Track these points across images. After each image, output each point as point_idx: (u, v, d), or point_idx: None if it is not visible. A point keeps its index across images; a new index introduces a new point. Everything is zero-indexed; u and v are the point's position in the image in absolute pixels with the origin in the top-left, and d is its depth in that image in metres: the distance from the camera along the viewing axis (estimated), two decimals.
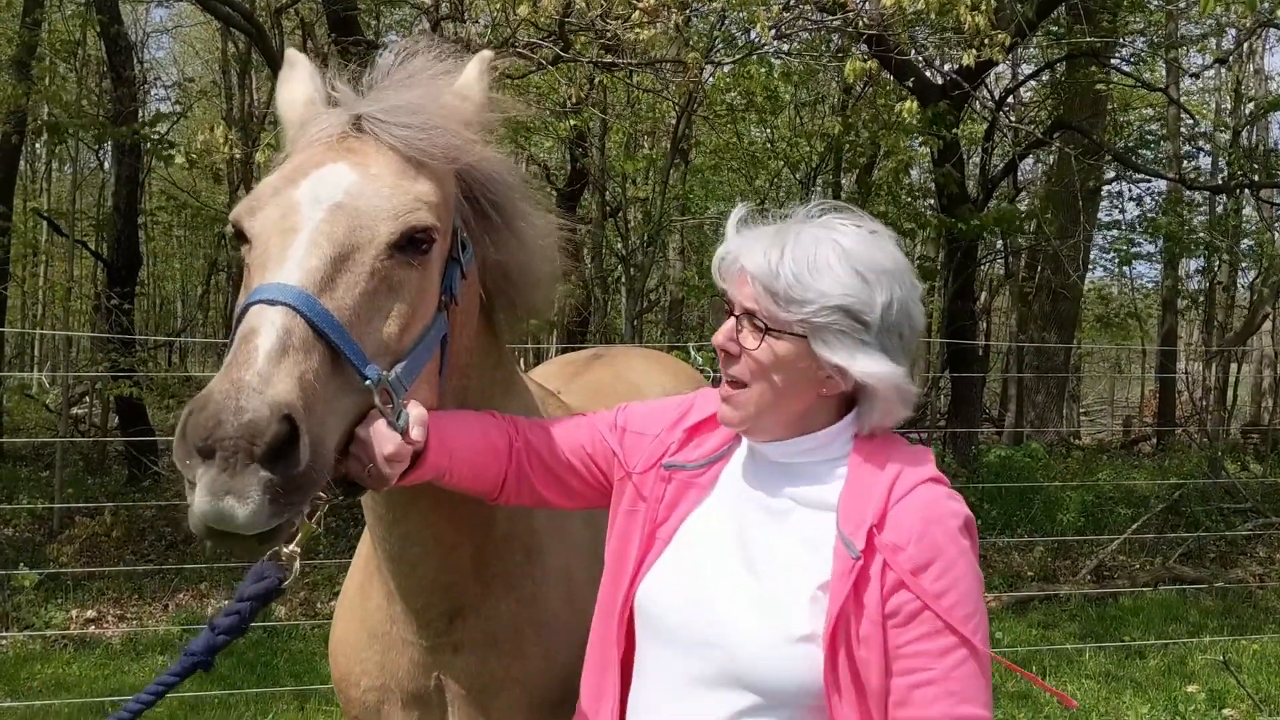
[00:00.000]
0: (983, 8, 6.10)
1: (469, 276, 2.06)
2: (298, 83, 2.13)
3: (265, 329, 1.65)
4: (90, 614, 8.09)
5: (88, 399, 15.96)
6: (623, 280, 13.22)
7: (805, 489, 1.90)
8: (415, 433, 1.85)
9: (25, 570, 8.12)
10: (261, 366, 1.60)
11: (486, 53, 2.19)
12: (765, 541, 1.89)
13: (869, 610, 1.75)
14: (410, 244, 1.85)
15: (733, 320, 1.89)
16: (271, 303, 1.69)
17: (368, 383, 1.75)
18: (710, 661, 1.85)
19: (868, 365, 1.82)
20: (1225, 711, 6.44)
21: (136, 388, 11.18)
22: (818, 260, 1.83)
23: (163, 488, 11.80)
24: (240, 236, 1.89)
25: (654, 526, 2.01)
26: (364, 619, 2.39)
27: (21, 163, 16.36)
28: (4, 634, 7.61)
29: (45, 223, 18.26)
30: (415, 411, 1.86)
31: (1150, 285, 20.99)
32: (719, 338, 1.90)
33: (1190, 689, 6.81)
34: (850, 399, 1.92)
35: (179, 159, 8.00)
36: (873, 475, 1.84)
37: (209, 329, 20.04)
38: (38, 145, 18.63)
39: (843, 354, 1.82)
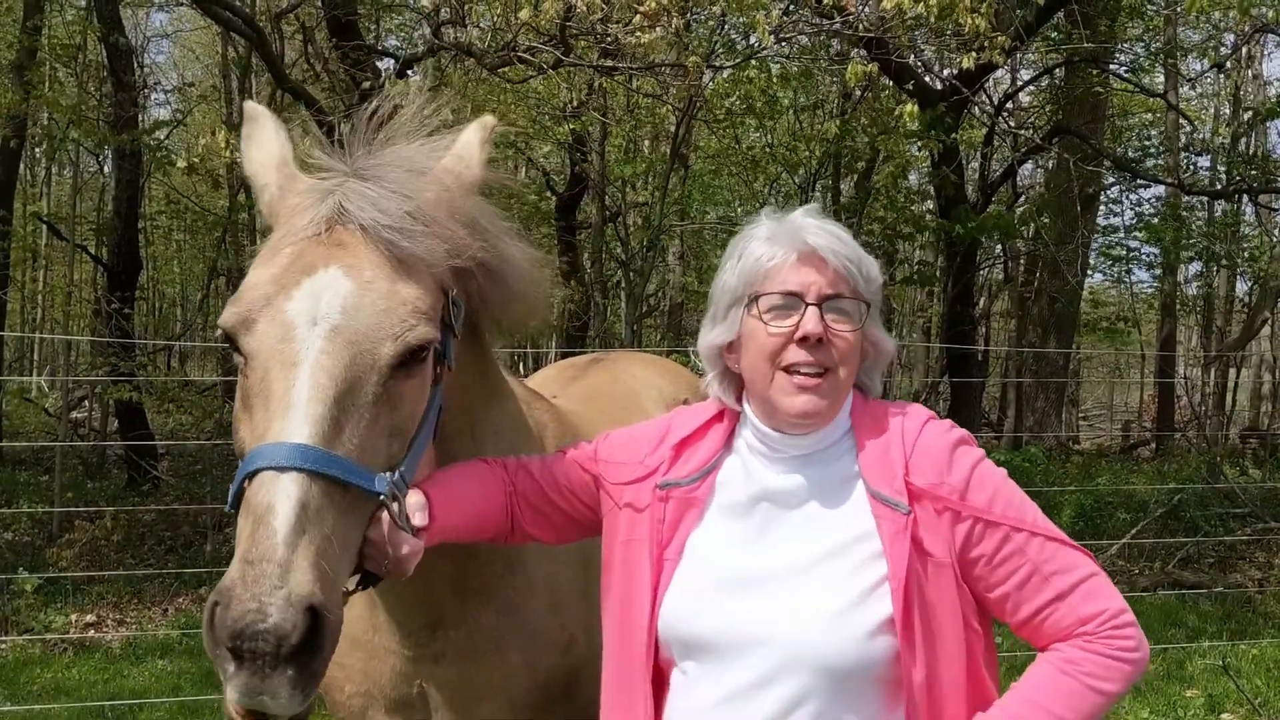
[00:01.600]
0: (983, 10, 6.12)
1: (460, 334, 2.05)
2: (266, 141, 2.08)
3: (280, 505, 1.66)
4: (90, 618, 8.09)
5: (87, 403, 15.96)
6: (622, 285, 13.23)
7: (826, 471, 1.93)
8: (418, 519, 1.90)
9: (25, 574, 8.13)
10: (281, 555, 1.62)
11: (489, 119, 2.16)
12: (799, 533, 1.90)
13: (936, 556, 1.81)
14: (410, 358, 1.85)
15: (815, 308, 1.89)
16: (282, 470, 1.68)
17: (380, 496, 1.80)
18: (763, 660, 1.83)
19: (888, 338, 2.01)
20: (1224, 716, 6.44)
21: (136, 392, 11.18)
22: (857, 247, 1.98)
23: (162, 492, 11.81)
24: (233, 345, 1.86)
25: (660, 550, 1.99)
26: (347, 626, 2.37)
27: (21, 167, 16.37)
28: (4, 638, 7.61)
29: (45, 227, 18.27)
30: (414, 500, 1.90)
31: (1149, 290, 21.01)
32: (814, 325, 1.88)
33: (1189, 693, 6.81)
34: None
35: (180, 163, 8.01)
36: (881, 433, 1.92)
37: (208, 333, 20.04)
38: (38, 150, 18.67)
39: (879, 328, 1.99)
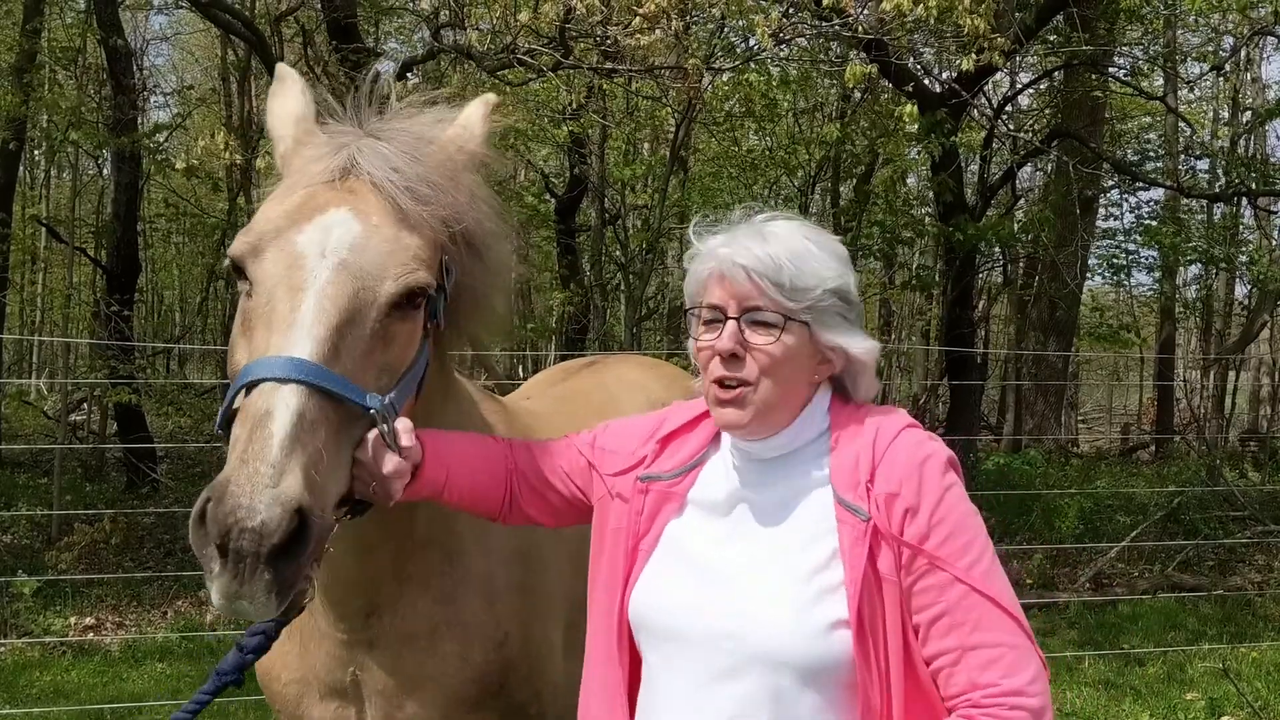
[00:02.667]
0: (982, 10, 6.12)
1: (451, 298, 2.14)
2: (289, 98, 2.19)
3: (279, 413, 1.73)
4: (89, 621, 8.08)
5: (86, 406, 15.94)
6: (622, 287, 13.23)
7: (798, 474, 1.93)
8: (405, 439, 1.94)
9: (24, 577, 8.11)
10: (275, 457, 1.68)
11: (491, 97, 2.27)
12: (766, 533, 1.91)
13: (884, 571, 1.80)
14: (407, 301, 1.94)
15: (733, 323, 1.90)
16: (283, 380, 1.76)
17: (370, 412, 1.87)
18: (726, 655, 1.85)
19: (860, 342, 1.94)
20: (1224, 719, 6.44)
21: (135, 395, 11.17)
22: (801, 250, 1.90)
23: (161, 495, 11.80)
24: (239, 273, 1.95)
25: (636, 540, 2.03)
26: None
27: (21, 169, 16.37)
28: (2, 641, 7.60)
29: (44, 229, 18.26)
30: (400, 423, 1.94)
31: (1149, 293, 21.02)
32: (725, 342, 1.90)
33: (1189, 696, 6.81)
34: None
35: (180, 164, 8.01)
36: (856, 438, 1.90)
37: (208, 336, 20.04)
38: (37, 152, 18.65)
39: (842, 334, 1.92)
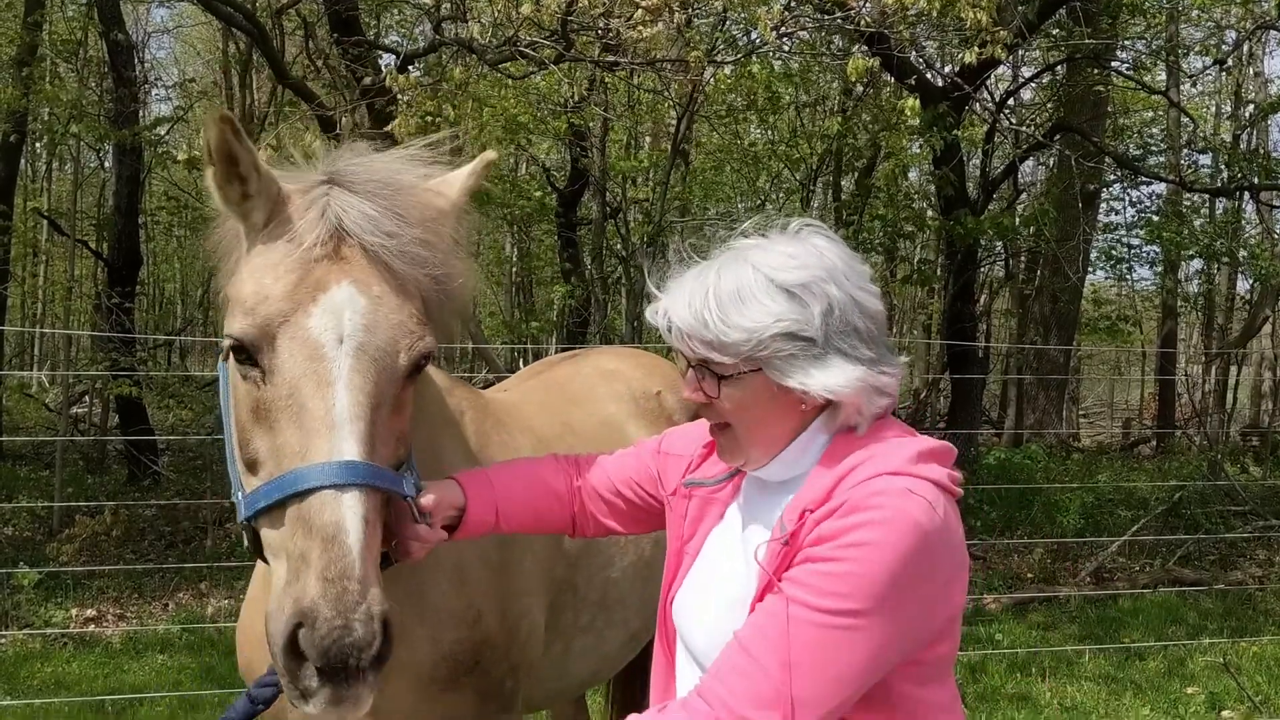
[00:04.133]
0: (984, 3, 6.10)
1: None
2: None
3: (350, 524, 1.77)
4: (90, 613, 8.09)
5: (87, 398, 15.96)
6: (623, 281, 13.22)
7: (782, 501, 1.87)
8: (425, 501, 2.08)
9: (25, 569, 8.12)
10: (358, 572, 1.74)
11: (490, 155, 2.29)
12: (743, 553, 1.91)
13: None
14: (417, 370, 2.00)
15: (692, 371, 1.89)
16: (342, 487, 1.79)
17: (407, 498, 1.99)
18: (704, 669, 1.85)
19: (825, 379, 1.77)
20: (1225, 713, 6.44)
21: (136, 387, 11.17)
22: (741, 292, 1.78)
23: (162, 488, 11.81)
24: (244, 355, 1.92)
25: (681, 543, 2.05)
26: (259, 602, 2.44)
27: (22, 162, 16.36)
28: (3, 633, 7.61)
29: (46, 222, 18.26)
30: (425, 500, 2.07)
31: (1150, 288, 20.99)
32: (686, 393, 1.92)
33: (1190, 691, 6.81)
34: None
35: (181, 156, 7.99)
36: (831, 467, 1.79)
37: (209, 329, 20.03)
38: (39, 145, 18.64)
39: (798, 375, 1.78)
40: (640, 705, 4.08)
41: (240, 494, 1.93)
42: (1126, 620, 8.44)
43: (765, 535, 1.86)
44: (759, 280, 1.79)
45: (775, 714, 1.62)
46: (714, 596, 1.93)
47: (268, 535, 1.88)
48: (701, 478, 2.07)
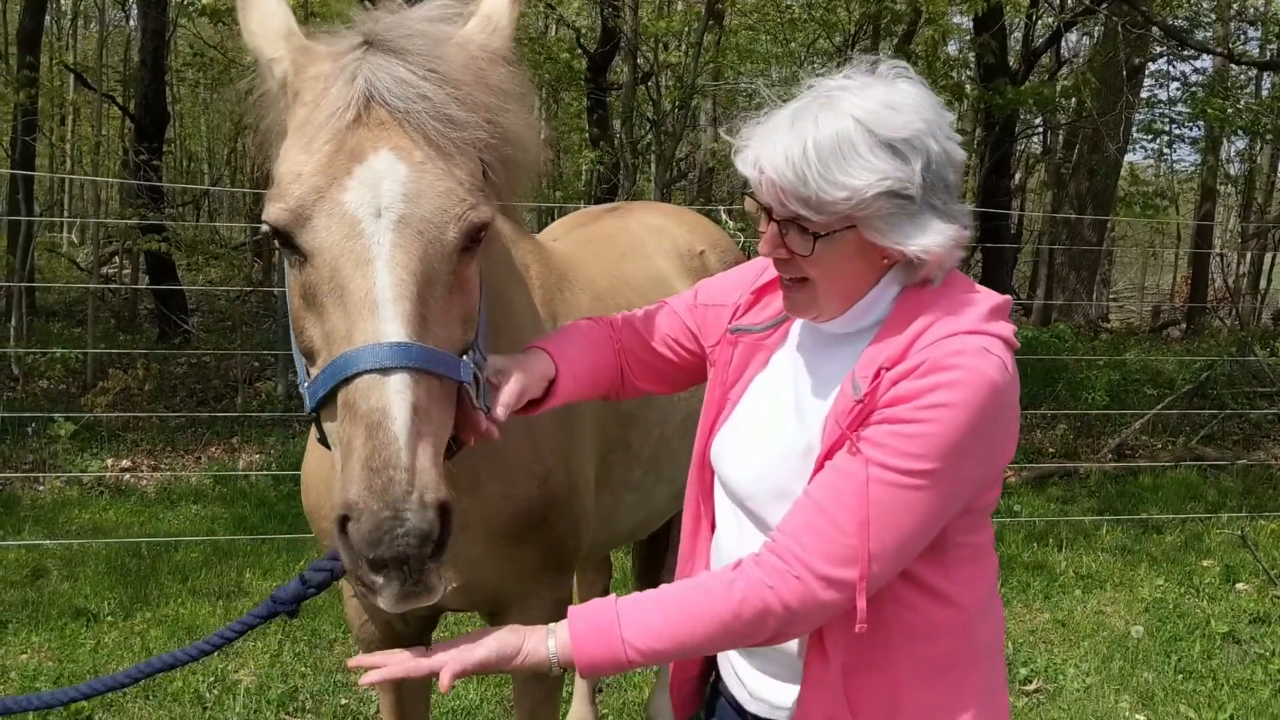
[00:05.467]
0: None
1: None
2: (266, 10, 1.95)
3: (395, 409, 1.63)
4: (125, 463, 8.27)
5: (117, 259, 16.05)
6: (653, 147, 13.03)
7: (845, 357, 1.86)
8: (499, 413, 1.93)
9: (60, 419, 8.27)
10: (405, 460, 1.60)
11: None
12: (810, 405, 1.88)
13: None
14: (473, 242, 1.83)
15: (773, 227, 1.79)
16: (386, 370, 1.65)
17: (464, 383, 1.81)
18: (773, 517, 1.85)
19: (922, 241, 1.73)
20: (1239, 585, 6.52)
21: (165, 243, 11.21)
22: (842, 147, 1.69)
23: (193, 346, 11.95)
24: (284, 241, 1.79)
25: (725, 389, 2.02)
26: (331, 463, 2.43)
27: (47, 18, 16.14)
28: (42, 477, 7.80)
29: (73, 76, 18.12)
30: (504, 395, 1.95)
31: (1190, 168, 20.54)
32: (765, 248, 1.82)
33: (1205, 564, 6.89)
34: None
35: (205, 1, 7.85)
36: (905, 323, 1.76)
37: (236, 186, 20.01)
38: (63, 1, 18.40)
39: (895, 235, 1.73)
40: (662, 556, 4.17)
41: (305, 385, 1.82)
42: (1146, 496, 8.49)
43: (823, 387, 1.87)
44: (860, 134, 1.69)
45: (853, 571, 1.67)
46: (760, 443, 1.93)
47: (328, 428, 1.77)
48: (749, 324, 2.03)
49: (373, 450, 1.61)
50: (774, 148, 1.73)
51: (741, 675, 2.02)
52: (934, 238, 1.73)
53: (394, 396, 1.64)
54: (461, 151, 1.81)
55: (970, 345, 1.70)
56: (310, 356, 1.80)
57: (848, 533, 1.67)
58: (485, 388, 1.91)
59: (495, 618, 2.65)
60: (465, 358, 1.82)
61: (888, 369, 1.71)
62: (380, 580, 1.61)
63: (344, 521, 1.61)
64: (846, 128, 1.69)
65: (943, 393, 1.66)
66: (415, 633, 2.75)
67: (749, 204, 1.85)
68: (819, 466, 1.76)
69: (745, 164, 1.80)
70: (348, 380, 1.67)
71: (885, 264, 1.80)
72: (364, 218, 1.72)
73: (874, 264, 1.79)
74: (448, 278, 1.78)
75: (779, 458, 1.88)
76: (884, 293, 1.82)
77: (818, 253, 1.75)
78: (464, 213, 1.77)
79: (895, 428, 1.68)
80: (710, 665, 2.17)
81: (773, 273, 2.02)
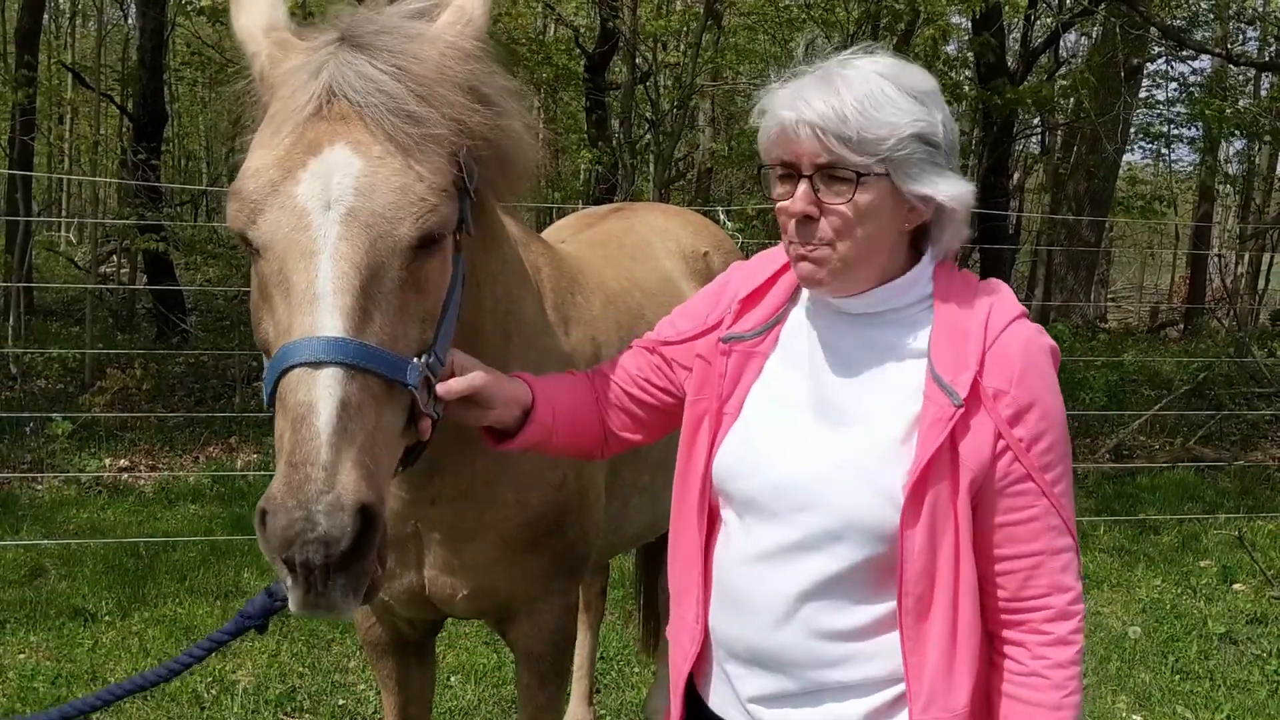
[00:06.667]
0: None
1: (476, 196, 1.97)
2: (254, 6, 1.96)
3: (321, 405, 1.59)
4: (123, 462, 8.26)
5: (115, 258, 16.04)
6: (651, 147, 13.03)
7: (892, 337, 1.85)
8: (440, 390, 1.88)
9: (58, 418, 8.26)
10: (325, 457, 1.55)
11: None
12: (849, 395, 1.85)
13: (965, 459, 1.75)
14: (431, 240, 1.78)
15: (805, 182, 1.78)
16: (316, 365, 1.61)
17: (409, 387, 1.74)
18: (802, 527, 1.83)
19: (949, 188, 1.80)
20: (1236, 586, 6.53)
21: (163, 243, 11.20)
22: (874, 95, 1.75)
23: (191, 346, 11.94)
24: (246, 244, 1.76)
25: (720, 403, 1.97)
26: None
27: (46, 17, 16.12)
28: (40, 479, 7.80)
29: (71, 75, 18.11)
30: (455, 381, 1.91)
31: (1188, 169, 20.54)
32: (798, 204, 1.79)
33: (1203, 564, 6.89)
34: (913, 235, 1.87)
35: (204, 1, 7.84)
36: (964, 315, 1.81)
37: None
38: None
39: (926, 182, 1.78)
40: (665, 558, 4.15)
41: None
42: (1143, 496, 8.50)
43: (851, 372, 1.86)
44: (887, 86, 1.77)
45: (1075, 561, 1.85)
46: (777, 448, 1.88)
47: (276, 424, 1.69)
48: (740, 332, 1.99)
49: (294, 445, 1.57)
50: (809, 96, 1.78)
51: (738, 687, 1.96)
52: (957, 188, 1.81)
53: (322, 391, 1.60)
54: (423, 148, 1.77)
55: (1029, 332, 1.82)
56: (267, 352, 1.76)
57: (1069, 548, 1.83)
58: (433, 398, 1.85)
59: (504, 624, 2.65)
60: (418, 360, 1.76)
61: (979, 372, 1.76)
62: (290, 582, 1.58)
63: (263, 515, 1.57)
64: (873, 81, 1.78)
65: (1046, 395, 1.79)
66: (421, 636, 2.75)
67: (775, 161, 1.83)
68: (920, 475, 1.74)
69: (781, 109, 1.80)
70: (284, 374, 1.64)
71: (905, 229, 1.84)
72: (313, 210, 1.69)
73: (894, 226, 1.82)
74: (399, 274, 1.72)
75: (840, 455, 1.83)
76: (922, 273, 1.86)
77: (850, 203, 1.76)
78: (421, 211, 1.73)
79: (1039, 444, 1.78)
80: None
81: (751, 283, 2.03)
